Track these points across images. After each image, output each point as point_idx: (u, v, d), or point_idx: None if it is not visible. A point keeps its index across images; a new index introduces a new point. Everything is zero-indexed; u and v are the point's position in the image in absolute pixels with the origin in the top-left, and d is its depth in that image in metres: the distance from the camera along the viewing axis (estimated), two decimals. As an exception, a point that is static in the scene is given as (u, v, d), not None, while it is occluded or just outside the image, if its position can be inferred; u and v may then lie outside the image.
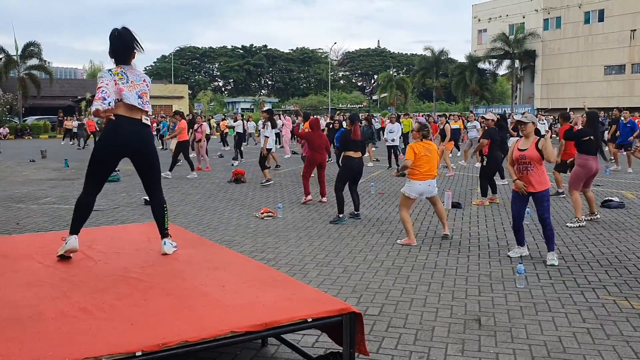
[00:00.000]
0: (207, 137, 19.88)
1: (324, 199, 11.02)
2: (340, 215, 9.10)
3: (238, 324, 3.02)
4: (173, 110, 20.42)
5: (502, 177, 13.13)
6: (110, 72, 4.49)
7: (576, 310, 5.06)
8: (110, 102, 4.29)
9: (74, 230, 4.48)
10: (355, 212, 9.37)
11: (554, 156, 6.52)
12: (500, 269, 6.41)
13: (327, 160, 11.68)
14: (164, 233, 4.67)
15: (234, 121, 23.40)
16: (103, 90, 4.30)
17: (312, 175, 11.38)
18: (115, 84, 4.41)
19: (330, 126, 19.14)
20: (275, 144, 16.32)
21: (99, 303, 3.37)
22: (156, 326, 3.00)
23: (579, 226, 8.56)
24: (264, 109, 15.01)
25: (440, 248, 7.38)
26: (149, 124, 4.65)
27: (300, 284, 3.93)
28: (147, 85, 4.62)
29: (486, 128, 11.12)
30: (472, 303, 5.28)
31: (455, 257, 6.94)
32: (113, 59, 4.61)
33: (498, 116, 12.46)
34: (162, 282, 3.81)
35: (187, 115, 24.88)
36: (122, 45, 4.56)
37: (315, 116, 17.07)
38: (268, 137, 13.38)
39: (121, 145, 4.47)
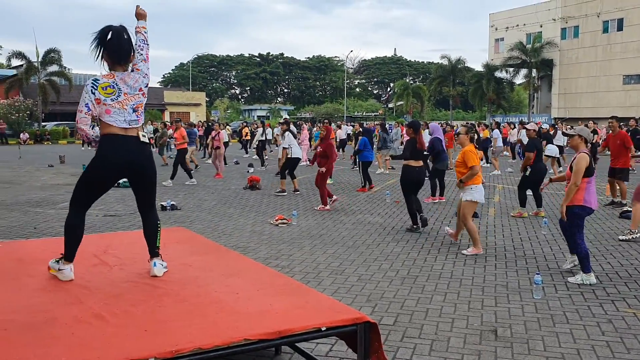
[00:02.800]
0: (226, 144, 20.08)
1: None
2: (415, 226, 9.01)
3: (252, 332, 2.99)
4: (174, 120, 20.59)
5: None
6: (95, 87, 3.96)
7: (595, 322, 4.97)
8: (95, 130, 4.08)
9: (69, 256, 4.07)
10: (421, 216, 9.12)
11: (576, 180, 6.17)
12: (517, 279, 6.32)
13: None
14: (154, 252, 4.22)
15: (255, 128, 23.58)
16: (82, 118, 3.95)
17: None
18: (99, 104, 3.94)
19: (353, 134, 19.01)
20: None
21: (113, 309, 3.36)
22: (169, 333, 2.98)
23: (632, 238, 8.22)
24: (281, 120, 15.08)
25: (456, 258, 7.30)
26: (147, 140, 4.17)
27: (314, 292, 3.90)
28: (143, 94, 4.15)
29: (528, 139, 10.44)
30: (488, 314, 5.21)
31: (471, 267, 6.86)
32: (105, 63, 4.11)
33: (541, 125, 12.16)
34: (177, 289, 3.80)
35: (205, 122, 25.08)
36: (119, 48, 4.06)
37: (327, 124, 17.07)
38: (286, 149, 13.39)
39: (116, 168, 4.05)
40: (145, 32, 4.27)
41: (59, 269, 4.03)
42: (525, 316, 5.13)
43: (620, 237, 8.33)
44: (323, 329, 3.14)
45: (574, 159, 6.26)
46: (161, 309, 3.42)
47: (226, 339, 2.90)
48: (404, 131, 18.60)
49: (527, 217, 10.20)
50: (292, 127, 15.65)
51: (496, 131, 20.17)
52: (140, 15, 4.30)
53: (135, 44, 4.20)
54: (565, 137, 19.49)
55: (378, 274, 6.52)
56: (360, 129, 17.19)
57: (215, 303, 3.50)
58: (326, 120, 18.51)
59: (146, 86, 4.21)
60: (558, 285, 6.07)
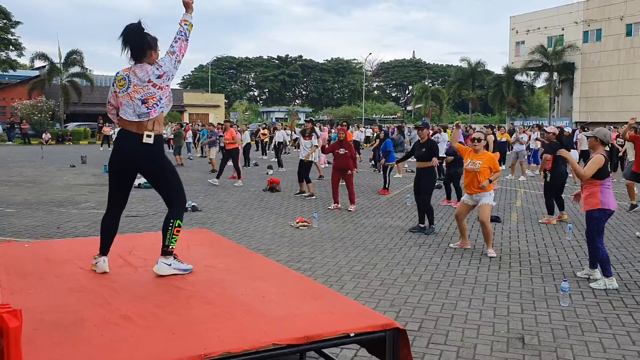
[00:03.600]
0: (248, 146, 20.30)
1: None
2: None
3: (280, 336, 2.96)
4: (223, 120, 20.83)
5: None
6: (114, 80, 4.15)
7: (624, 332, 4.87)
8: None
9: (103, 249, 4.24)
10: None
11: (585, 172, 6.11)
12: (542, 285, 6.23)
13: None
14: (162, 249, 4.15)
15: (274, 131, 23.66)
16: (108, 111, 4.30)
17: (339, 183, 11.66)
18: (116, 96, 4.10)
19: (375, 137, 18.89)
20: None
21: (140, 311, 3.35)
22: (197, 336, 2.96)
23: None
24: (307, 119, 15.08)
25: (480, 263, 7.22)
26: (151, 141, 4.07)
27: (341, 296, 3.86)
28: (154, 85, 4.04)
29: (546, 142, 10.34)
30: (514, 321, 5.13)
31: (495, 272, 6.78)
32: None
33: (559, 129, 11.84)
34: (203, 291, 3.78)
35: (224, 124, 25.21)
36: (128, 44, 4.09)
37: (341, 126, 17.00)
38: (317, 147, 13.42)
39: (125, 162, 4.15)
40: (185, 25, 4.19)
41: (95, 262, 4.21)
42: (553, 324, 5.05)
43: (638, 234, 8.48)
44: (352, 334, 3.09)
45: (590, 159, 6.24)
46: (188, 311, 3.40)
47: (254, 343, 2.86)
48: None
49: (556, 224, 10.02)
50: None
51: (524, 135, 19.84)
52: (185, 5, 4.22)
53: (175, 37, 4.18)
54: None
55: (401, 278, 6.46)
56: (382, 132, 17.04)
57: (242, 306, 3.47)
58: (344, 123, 18.41)
59: (158, 77, 4.05)
60: (585, 292, 5.97)
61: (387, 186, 14.14)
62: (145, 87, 4.05)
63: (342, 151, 11.30)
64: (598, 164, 6.09)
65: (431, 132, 18.08)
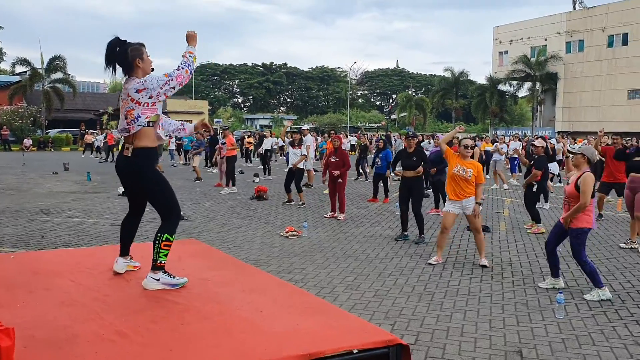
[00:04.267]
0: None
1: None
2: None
3: (282, 354, 2.87)
4: (220, 126, 20.70)
5: (546, 201, 13.04)
6: None
7: (622, 344, 4.84)
8: (160, 133, 4.25)
9: (122, 250, 4.43)
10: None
11: (586, 201, 6.10)
12: (536, 297, 6.20)
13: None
14: (152, 264, 4.04)
15: (263, 138, 23.55)
16: None
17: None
18: None
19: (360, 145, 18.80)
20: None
21: (135, 326, 3.23)
22: (196, 353, 2.86)
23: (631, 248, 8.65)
24: (304, 127, 15.04)
25: (472, 273, 7.18)
26: (129, 154, 4.04)
27: (340, 310, 3.78)
28: (132, 99, 3.97)
29: (536, 156, 10.26)
30: (511, 333, 5.08)
31: (488, 283, 6.74)
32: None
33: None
34: (198, 305, 3.67)
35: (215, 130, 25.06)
36: (119, 62, 4.09)
37: (337, 134, 16.97)
38: (306, 156, 13.35)
39: (119, 176, 4.27)
40: (190, 57, 4.19)
41: (115, 261, 4.36)
42: (550, 336, 5.01)
43: (621, 245, 8.69)
44: (355, 351, 3.00)
45: (579, 178, 6.17)
46: (184, 326, 3.29)
47: (256, 360, 2.78)
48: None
49: (545, 232, 10.07)
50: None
51: (504, 145, 19.96)
52: (189, 38, 4.24)
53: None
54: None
55: (394, 289, 6.39)
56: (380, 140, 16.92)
57: (240, 321, 3.37)
58: (332, 131, 18.41)
59: (136, 92, 3.96)
60: (580, 304, 5.95)
61: (378, 194, 14.16)
62: (126, 101, 4.03)
63: (333, 159, 11.30)
64: (590, 185, 6.10)
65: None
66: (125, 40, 4.13)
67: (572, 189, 6.18)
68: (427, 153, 12.50)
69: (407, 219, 9.27)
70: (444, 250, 7.98)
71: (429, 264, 7.64)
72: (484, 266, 7.43)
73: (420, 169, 9.11)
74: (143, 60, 4.11)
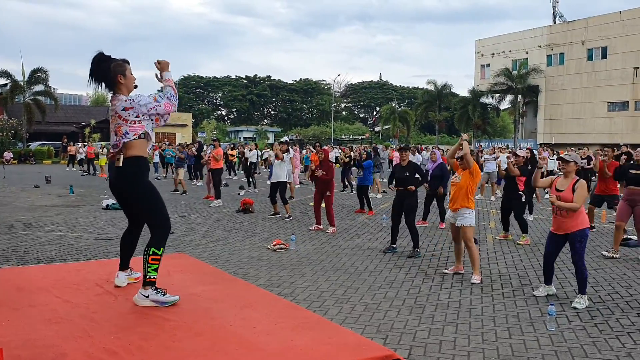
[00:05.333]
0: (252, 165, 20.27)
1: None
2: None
3: (278, 372, 2.80)
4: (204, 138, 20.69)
5: (530, 212, 13.10)
6: None
7: (614, 356, 4.82)
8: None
9: (122, 264, 4.49)
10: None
11: (580, 204, 6.28)
12: (527, 309, 6.17)
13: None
14: (143, 280, 4.04)
15: (249, 151, 23.42)
16: None
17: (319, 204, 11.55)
18: None
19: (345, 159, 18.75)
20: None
21: (125, 344, 3.15)
22: (190, 372, 2.78)
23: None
24: (282, 140, 15.04)
25: (462, 286, 7.14)
26: (120, 164, 4.07)
27: (335, 325, 3.72)
28: (119, 117, 4.04)
29: (520, 166, 10.33)
30: (503, 346, 5.04)
31: (479, 295, 6.71)
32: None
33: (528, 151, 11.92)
34: (189, 321, 3.60)
35: (193, 144, 24.92)
36: (102, 78, 4.16)
37: (325, 147, 16.94)
38: (292, 160, 13.32)
39: (112, 190, 4.31)
40: (174, 86, 4.27)
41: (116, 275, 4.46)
42: (542, 349, 4.97)
43: (604, 253, 8.79)
44: (352, 367, 2.96)
45: (574, 183, 6.31)
46: (176, 344, 3.21)
47: (252, 379, 2.71)
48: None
49: (531, 243, 10.12)
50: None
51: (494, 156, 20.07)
52: (163, 66, 4.27)
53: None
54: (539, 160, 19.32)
55: (385, 302, 6.33)
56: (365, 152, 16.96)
57: (234, 338, 3.30)
58: (317, 144, 18.35)
59: (124, 109, 4.04)
60: (570, 316, 5.93)
61: (365, 206, 14.14)
62: (114, 117, 4.10)
63: (319, 172, 11.24)
64: (586, 190, 6.30)
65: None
66: (110, 56, 4.19)
67: (570, 194, 6.27)
68: (429, 167, 12.49)
69: (397, 231, 9.22)
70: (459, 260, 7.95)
71: (444, 273, 7.80)
72: (474, 283, 7.32)
73: (412, 187, 8.99)
74: (125, 77, 4.16)
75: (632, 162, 9.63)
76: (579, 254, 6.27)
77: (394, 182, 9.30)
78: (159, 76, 4.28)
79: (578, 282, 6.38)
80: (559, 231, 6.41)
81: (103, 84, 4.14)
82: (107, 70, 4.09)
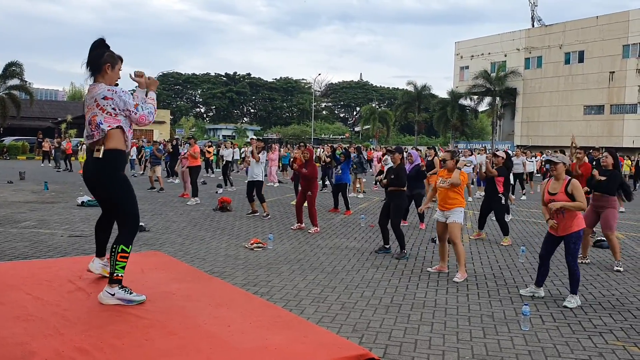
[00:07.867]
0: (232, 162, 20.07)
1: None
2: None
3: (251, 371, 2.77)
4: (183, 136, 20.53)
5: (508, 213, 13.25)
6: None
7: (587, 356, 4.88)
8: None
9: (98, 251, 4.45)
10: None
11: (585, 202, 6.38)
12: (502, 309, 6.23)
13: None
14: (109, 277, 3.91)
15: (225, 149, 23.27)
16: None
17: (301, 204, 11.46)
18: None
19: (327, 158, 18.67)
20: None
21: (97, 342, 3.09)
22: (162, 371, 2.74)
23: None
24: (260, 138, 14.96)
25: (437, 285, 7.18)
26: (100, 155, 3.91)
27: (310, 324, 3.70)
28: (97, 105, 3.90)
29: (498, 167, 10.51)
30: (478, 346, 5.07)
31: (454, 295, 6.75)
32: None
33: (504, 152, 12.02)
34: (163, 320, 3.54)
35: (170, 141, 24.68)
36: (88, 59, 4.02)
37: (308, 146, 16.93)
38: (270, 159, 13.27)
39: (86, 183, 4.15)
40: (154, 104, 4.24)
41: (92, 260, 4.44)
42: (516, 349, 5.02)
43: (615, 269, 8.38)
44: (327, 366, 2.95)
45: (566, 184, 6.40)
46: (149, 342, 3.16)
47: (225, 378, 2.68)
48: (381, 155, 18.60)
49: (511, 244, 10.21)
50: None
51: (472, 158, 20.27)
52: (150, 85, 4.25)
53: None
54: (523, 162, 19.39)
55: (361, 302, 6.34)
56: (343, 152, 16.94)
57: (207, 337, 3.26)
58: (302, 143, 18.31)
59: (103, 98, 3.89)
60: (544, 316, 5.99)
61: (344, 205, 14.17)
62: (91, 106, 3.96)
63: (304, 170, 11.24)
64: (580, 187, 6.40)
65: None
66: (109, 46, 4.12)
67: (564, 196, 6.36)
68: (406, 168, 12.52)
69: (388, 232, 9.18)
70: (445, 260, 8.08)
71: (428, 271, 7.91)
72: (456, 281, 7.37)
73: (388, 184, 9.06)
74: (113, 70, 4.08)
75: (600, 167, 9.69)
76: (573, 254, 6.38)
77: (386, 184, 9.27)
78: (133, 76, 4.20)
79: (570, 282, 6.46)
80: (557, 232, 6.47)
81: (88, 67, 4.01)
82: (99, 56, 4.01)
